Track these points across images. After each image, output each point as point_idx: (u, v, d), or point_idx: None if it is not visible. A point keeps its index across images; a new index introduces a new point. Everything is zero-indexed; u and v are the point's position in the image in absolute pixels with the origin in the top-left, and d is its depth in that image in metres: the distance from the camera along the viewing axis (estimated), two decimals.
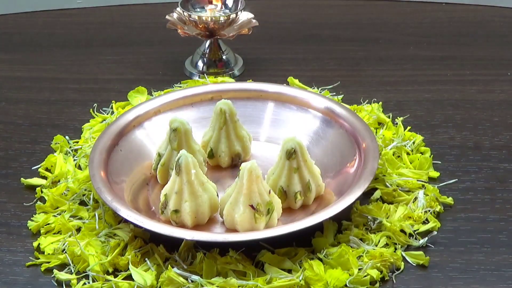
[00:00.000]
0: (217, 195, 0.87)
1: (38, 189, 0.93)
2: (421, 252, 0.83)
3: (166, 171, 0.91)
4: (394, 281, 0.81)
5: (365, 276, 0.80)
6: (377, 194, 0.90)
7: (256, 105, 1.01)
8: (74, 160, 0.97)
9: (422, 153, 0.97)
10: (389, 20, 1.31)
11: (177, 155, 0.84)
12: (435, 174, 0.94)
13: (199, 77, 1.14)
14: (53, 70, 1.19)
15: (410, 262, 0.83)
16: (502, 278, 0.81)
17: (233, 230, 0.85)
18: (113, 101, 1.07)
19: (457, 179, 0.94)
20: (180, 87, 1.11)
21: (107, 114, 1.06)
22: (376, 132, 1.00)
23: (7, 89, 1.14)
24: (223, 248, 0.82)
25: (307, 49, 1.22)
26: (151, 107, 0.99)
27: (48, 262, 0.83)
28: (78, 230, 0.87)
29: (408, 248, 0.84)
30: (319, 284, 0.79)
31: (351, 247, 0.83)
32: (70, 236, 0.86)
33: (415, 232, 0.86)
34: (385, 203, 0.89)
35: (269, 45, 1.24)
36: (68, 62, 1.21)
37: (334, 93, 1.08)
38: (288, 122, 0.99)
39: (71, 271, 0.82)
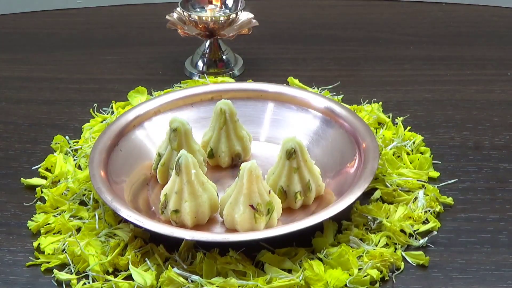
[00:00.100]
0: (217, 195, 0.87)
1: (38, 189, 0.93)
2: (421, 252, 0.83)
3: (166, 171, 0.91)
4: (394, 281, 0.81)
5: (365, 276, 0.80)
6: (377, 194, 0.90)
7: (256, 105, 1.01)
8: (74, 160, 0.97)
9: (422, 153, 0.97)
10: (389, 20, 1.31)
11: (177, 155, 0.84)
12: (435, 174, 0.94)
13: (199, 77, 1.14)
14: (53, 70, 1.19)
15: (410, 262, 0.83)
16: (502, 278, 0.81)
17: (233, 230, 0.85)
18: (113, 101, 1.07)
19: (457, 179, 0.94)
20: (180, 87, 1.11)
21: (107, 114, 1.06)
22: (376, 132, 1.00)
23: (7, 89, 1.14)
24: (223, 248, 0.82)
25: (307, 49, 1.22)
26: (151, 107, 0.99)
27: (48, 262, 0.83)
28: (78, 230, 0.87)
29: (408, 248, 0.84)
30: (319, 284, 0.79)
31: (351, 247, 0.83)
32: (70, 236, 0.86)
33: (415, 232, 0.86)
34: (385, 203, 0.89)
35: (269, 45, 1.24)
36: (68, 62, 1.21)
37: (334, 93, 1.08)
38: (288, 122, 0.99)
39: (71, 271, 0.82)
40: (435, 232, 0.86)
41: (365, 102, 1.06)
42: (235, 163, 0.95)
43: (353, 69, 1.17)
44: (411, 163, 0.95)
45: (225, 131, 0.93)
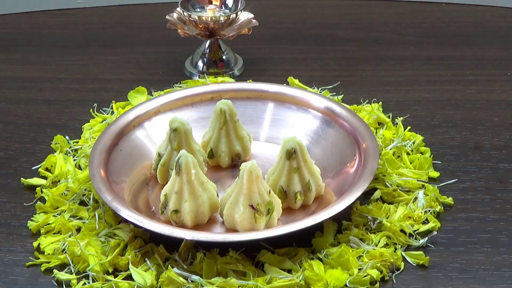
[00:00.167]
0: (217, 195, 0.87)
1: (38, 189, 0.93)
2: (421, 252, 0.83)
3: (166, 171, 0.91)
4: (394, 281, 0.81)
5: (365, 276, 0.80)
6: (377, 194, 0.90)
7: (256, 105, 1.01)
8: (74, 160, 0.97)
9: (422, 153, 0.97)
10: (389, 20, 1.31)
11: (177, 155, 0.84)
12: (435, 174, 0.94)
13: (199, 77, 1.14)
14: (53, 70, 1.19)
15: (410, 262, 0.83)
16: (502, 278, 0.81)
17: (233, 230, 0.85)
18: (113, 101, 1.07)
19: (457, 179, 0.94)
20: (180, 87, 1.11)
21: (107, 114, 1.06)
22: (376, 132, 1.00)
23: (7, 89, 1.14)
24: (223, 248, 0.82)
25: (307, 49, 1.22)
26: (151, 107, 0.99)
27: (48, 262, 0.83)
28: (78, 230, 0.87)
29: (408, 248, 0.84)
30: (319, 284, 0.79)
31: (351, 247, 0.83)
32: (70, 236, 0.86)
33: (415, 232, 0.86)
34: (385, 203, 0.89)
35: (269, 45, 1.24)
36: (68, 62, 1.21)
37: (334, 93, 1.08)
38: (288, 122, 0.99)
39: (71, 271, 0.82)
40: (435, 232, 0.86)
41: (365, 102, 1.06)
42: (235, 163, 0.95)
43: (353, 69, 1.17)
44: (411, 163, 0.95)
45: (225, 131, 0.93)
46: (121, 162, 0.92)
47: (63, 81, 1.16)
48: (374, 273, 0.80)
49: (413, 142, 0.98)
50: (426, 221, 0.87)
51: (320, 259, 0.82)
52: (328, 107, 0.98)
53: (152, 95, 1.08)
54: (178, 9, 1.15)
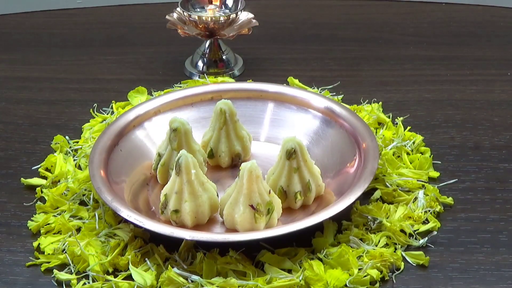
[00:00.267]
0: (217, 195, 0.87)
1: (38, 189, 0.93)
2: (421, 252, 0.83)
3: (166, 171, 0.91)
4: (394, 281, 0.81)
5: (365, 276, 0.80)
6: (377, 194, 0.90)
7: (256, 105, 1.01)
8: (74, 160, 0.97)
9: (422, 153, 0.97)
10: (389, 20, 1.31)
11: (177, 155, 0.84)
12: (435, 174, 0.94)
13: (199, 77, 1.14)
14: (53, 70, 1.19)
15: (410, 262, 0.83)
16: (502, 278, 0.81)
17: (233, 230, 0.85)
18: (113, 101, 1.07)
19: (457, 179, 0.94)
20: (180, 87, 1.11)
21: (107, 114, 1.06)
22: (376, 132, 1.00)
23: (7, 89, 1.14)
24: (223, 248, 0.82)
25: (307, 49, 1.22)
26: (151, 107, 0.99)
27: (48, 262, 0.83)
28: (78, 230, 0.87)
29: (408, 248, 0.84)
30: (319, 284, 0.79)
31: (351, 247, 0.83)
32: (70, 236, 0.86)
33: (415, 232, 0.86)
34: (385, 203, 0.89)
35: (269, 45, 1.24)
36: (68, 62, 1.21)
37: (334, 93, 1.08)
38: (288, 122, 0.99)
39: (71, 271, 0.82)
40: (435, 232, 0.86)
41: (365, 102, 1.06)
42: (235, 163, 0.95)
43: (353, 69, 1.17)
44: (411, 163, 0.95)
45: (225, 131, 0.93)
46: (121, 162, 0.92)
47: (63, 81, 1.16)
48: (374, 273, 0.80)
49: (413, 142, 0.98)
50: (426, 221, 0.87)
51: (320, 259, 0.82)
52: (328, 107, 0.98)
53: (152, 95, 1.08)
54: (178, 9, 1.15)
